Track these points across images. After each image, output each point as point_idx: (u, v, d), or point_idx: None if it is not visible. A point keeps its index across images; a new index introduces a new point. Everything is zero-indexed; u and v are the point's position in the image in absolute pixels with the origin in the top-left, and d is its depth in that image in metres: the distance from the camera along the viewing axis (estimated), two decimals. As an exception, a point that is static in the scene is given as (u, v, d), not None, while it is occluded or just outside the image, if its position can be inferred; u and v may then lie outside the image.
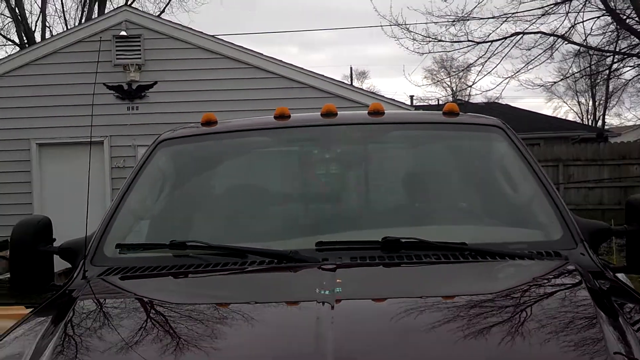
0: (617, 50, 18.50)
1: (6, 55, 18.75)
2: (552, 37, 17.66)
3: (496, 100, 24.32)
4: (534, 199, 2.85)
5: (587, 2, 17.21)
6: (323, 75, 12.56)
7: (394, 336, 1.84)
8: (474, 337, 1.82)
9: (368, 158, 3.36)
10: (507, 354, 1.76)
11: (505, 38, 17.45)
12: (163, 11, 26.09)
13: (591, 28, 24.51)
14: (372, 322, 1.95)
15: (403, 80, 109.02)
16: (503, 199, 3.05)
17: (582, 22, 17.85)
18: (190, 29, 12.67)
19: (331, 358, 1.65)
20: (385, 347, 1.77)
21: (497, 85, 25.59)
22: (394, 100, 13.42)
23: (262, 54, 12.43)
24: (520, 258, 2.46)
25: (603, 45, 18.57)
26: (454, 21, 17.47)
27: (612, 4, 17.52)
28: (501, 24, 17.59)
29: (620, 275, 3.04)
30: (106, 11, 21.86)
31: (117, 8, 12.58)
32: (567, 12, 17.30)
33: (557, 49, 18.02)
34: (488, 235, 2.77)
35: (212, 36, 12.67)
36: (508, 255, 2.47)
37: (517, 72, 18.26)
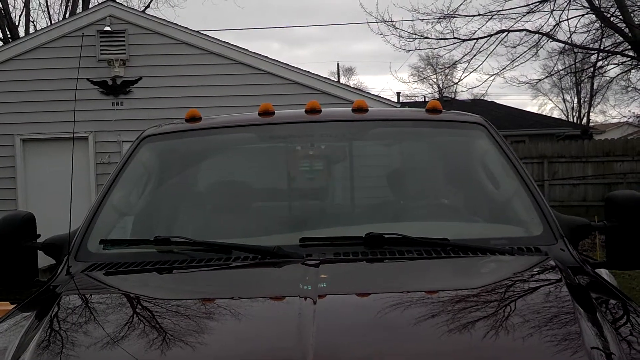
0: (601, 48, 18.64)
1: (-11, 49, 18.53)
2: (537, 35, 17.80)
3: (482, 97, 24.47)
4: (515, 196, 2.88)
5: (572, 0, 17.34)
6: (309, 72, 12.51)
7: (375, 331, 1.86)
8: (455, 331, 1.84)
9: (351, 155, 3.38)
10: (486, 348, 1.78)
11: (491, 35, 17.57)
12: (148, 6, 25.96)
13: (576, 26, 24.79)
14: (354, 317, 1.98)
15: (390, 77, 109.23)
16: (485, 195, 3.08)
17: (567, 20, 18.03)
18: (175, 24, 12.59)
19: (312, 352, 1.66)
20: (367, 342, 1.79)
21: (483, 82, 25.66)
22: (379, 97, 13.43)
23: (247, 50, 12.38)
24: (500, 254, 2.49)
25: (587, 43, 18.74)
26: (439, 18, 17.59)
27: (597, 2, 17.65)
28: (487, 22, 17.75)
29: (604, 271, 3.07)
30: (90, 6, 21.70)
31: (102, 3, 12.45)
32: (552, 10, 17.44)
33: (542, 47, 18.21)
34: (469, 231, 2.81)
35: (197, 32, 12.60)
36: (489, 251, 2.50)
37: (503, 69, 18.46)
